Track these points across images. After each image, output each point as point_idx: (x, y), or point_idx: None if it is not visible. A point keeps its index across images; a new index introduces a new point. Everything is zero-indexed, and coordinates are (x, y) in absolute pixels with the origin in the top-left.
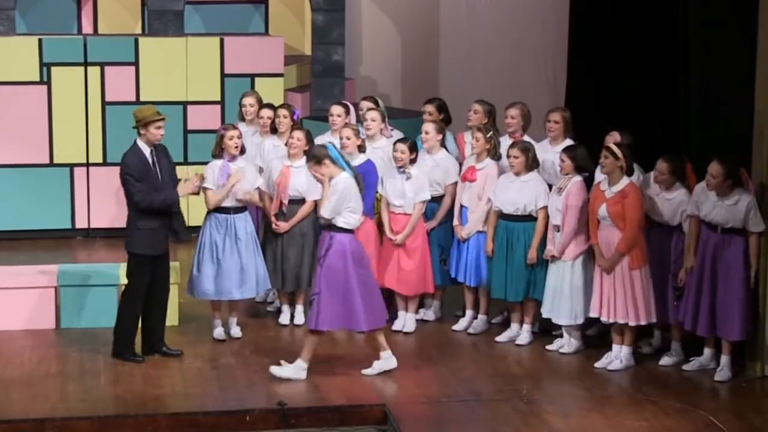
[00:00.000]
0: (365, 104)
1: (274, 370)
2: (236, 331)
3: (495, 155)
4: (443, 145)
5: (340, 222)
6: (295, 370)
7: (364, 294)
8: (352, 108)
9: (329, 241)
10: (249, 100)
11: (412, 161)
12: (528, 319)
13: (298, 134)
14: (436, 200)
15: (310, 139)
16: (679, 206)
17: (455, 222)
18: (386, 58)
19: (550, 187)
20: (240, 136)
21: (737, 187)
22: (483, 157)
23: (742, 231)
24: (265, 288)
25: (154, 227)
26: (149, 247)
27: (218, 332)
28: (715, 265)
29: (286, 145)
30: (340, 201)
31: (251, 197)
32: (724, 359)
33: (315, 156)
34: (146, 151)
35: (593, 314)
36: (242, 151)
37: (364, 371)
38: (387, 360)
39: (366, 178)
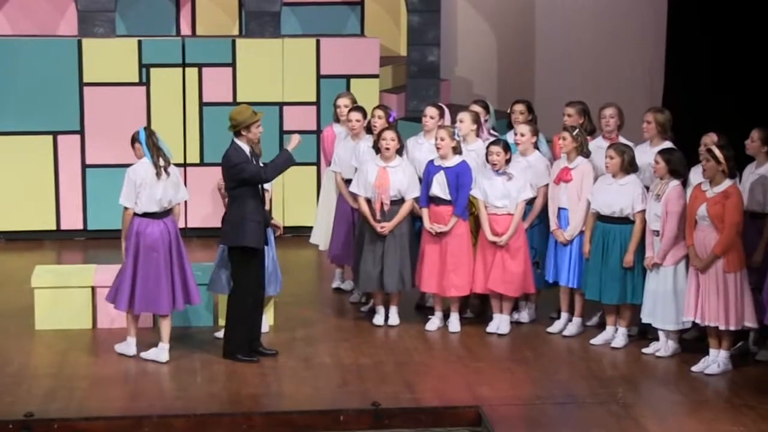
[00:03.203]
0: (474, 107)
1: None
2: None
3: (584, 152)
4: (536, 146)
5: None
6: (157, 352)
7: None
8: (446, 110)
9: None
10: (344, 101)
11: (507, 161)
12: (624, 322)
13: (390, 134)
14: (528, 202)
15: (400, 138)
16: None
17: (553, 226)
18: (481, 59)
19: (649, 189)
20: None
21: None
22: (573, 156)
23: None
24: (277, 289)
25: (260, 220)
26: (258, 241)
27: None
28: None
29: (377, 146)
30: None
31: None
32: None
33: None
34: (246, 149)
35: (688, 316)
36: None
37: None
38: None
39: (460, 178)
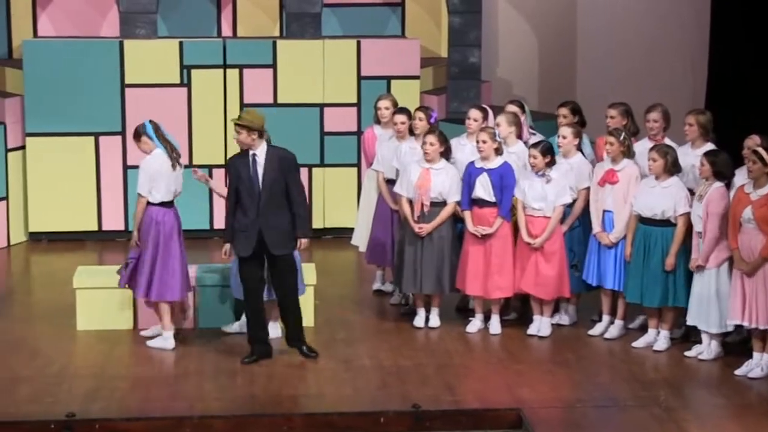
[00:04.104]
0: (510, 107)
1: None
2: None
3: (630, 154)
4: (579, 148)
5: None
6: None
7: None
8: (490, 111)
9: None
10: (384, 103)
11: (548, 164)
12: (666, 325)
13: (431, 138)
14: (569, 204)
15: (443, 140)
16: None
17: (597, 228)
18: (523, 60)
19: (692, 191)
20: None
21: None
22: (619, 159)
23: None
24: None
25: (244, 229)
26: (244, 249)
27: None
28: None
29: (423, 147)
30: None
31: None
32: None
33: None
34: (248, 154)
35: (734, 320)
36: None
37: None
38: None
39: (504, 180)
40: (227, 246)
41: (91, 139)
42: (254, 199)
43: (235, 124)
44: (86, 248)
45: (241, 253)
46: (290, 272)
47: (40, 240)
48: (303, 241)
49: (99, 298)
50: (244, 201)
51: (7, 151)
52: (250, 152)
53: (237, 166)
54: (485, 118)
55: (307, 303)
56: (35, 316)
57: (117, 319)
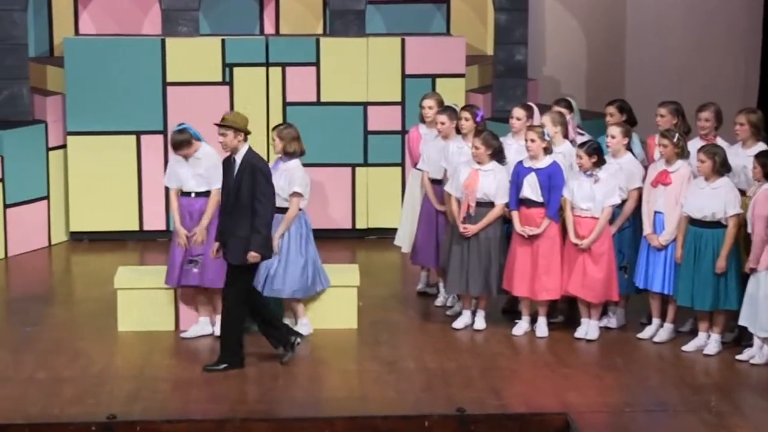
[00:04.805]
0: (557, 107)
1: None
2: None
3: (684, 155)
4: (629, 148)
5: None
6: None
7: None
8: (536, 110)
9: None
10: (428, 102)
11: (595, 164)
12: (717, 329)
13: (476, 142)
14: (619, 205)
15: (489, 144)
16: None
17: (648, 230)
18: (570, 58)
19: (743, 192)
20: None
21: None
22: (673, 160)
23: None
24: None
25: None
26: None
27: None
28: None
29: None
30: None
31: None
32: None
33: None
34: (231, 156)
35: None
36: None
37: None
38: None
39: (552, 180)
40: (216, 244)
41: (133, 137)
42: (225, 202)
43: (220, 125)
44: (127, 248)
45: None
46: (230, 284)
47: (81, 240)
48: (250, 254)
49: (140, 299)
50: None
51: (48, 150)
52: (232, 156)
53: (224, 169)
54: (530, 116)
55: (350, 304)
56: (76, 316)
57: (158, 320)
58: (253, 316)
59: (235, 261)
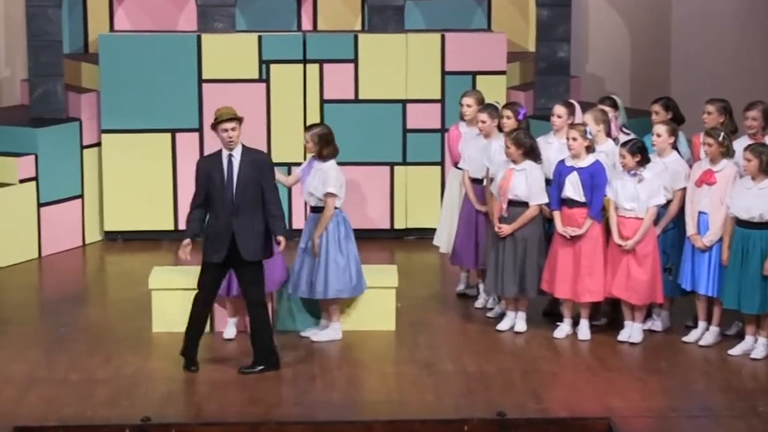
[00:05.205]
0: (601, 105)
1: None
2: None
3: (729, 154)
4: (675, 147)
5: None
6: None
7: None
8: (577, 107)
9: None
10: (467, 100)
11: (639, 164)
12: (764, 333)
13: (507, 141)
14: (664, 205)
15: (520, 141)
16: None
17: (692, 230)
18: (614, 54)
19: None
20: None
21: None
22: (718, 159)
23: None
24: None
25: (216, 233)
26: (209, 254)
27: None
28: None
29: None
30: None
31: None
32: None
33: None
34: (224, 154)
35: None
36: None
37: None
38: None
39: (595, 179)
40: (188, 248)
41: (168, 135)
42: (227, 202)
43: (231, 119)
44: (162, 248)
45: (214, 258)
46: (256, 282)
47: (116, 239)
48: (281, 240)
49: (175, 300)
50: (215, 205)
51: (83, 148)
52: (226, 153)
53: (208, 169)
54: (571, 114)
55: (388, 306)
56: (110, 317)
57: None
58: (201, 317)
59: (256, 257)
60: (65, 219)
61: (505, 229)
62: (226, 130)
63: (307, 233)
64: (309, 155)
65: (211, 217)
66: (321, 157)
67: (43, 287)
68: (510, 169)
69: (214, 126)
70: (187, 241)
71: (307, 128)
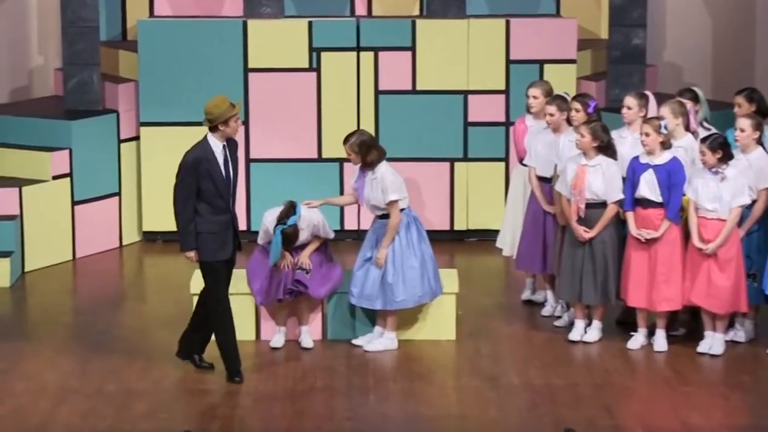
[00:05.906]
0: (680, 97)
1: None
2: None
3: None
4: (760, 142)
5: None
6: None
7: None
8: (651, 98)
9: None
10: (533, 92)
11: (720, 160)
12: None
13: (583, 129)
14: (748, 206)
15: (597, 133)
16: None
17: None
18: (694, 42)
19: None
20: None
21: None
22: None
23: None
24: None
25: (216, 230)
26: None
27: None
28: None
29: None
30: None
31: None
32: None
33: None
34: (218, 146)
35: None
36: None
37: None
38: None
39: (672, 177)
40: (192, 254)
41: None
42: (226, 195)
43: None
44: None
45: (221, 256)
46: (226, 283)
47: (155, 240)
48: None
49: None
50: (213, 200)
51: (120, 142)
52: (220, 144)
53: (207, 164)
54: (643, 106)
55: (448, 313)
56: (149, 323)
57: (237, 328)
58: (233, 324)
59: (233, 254)
60: (101, 218)
61: (590, 232)
62: (237, 119)
63: (373, 241)
64: (356, 167)
65: (204, 213)
66: (367, 164)
67: (78, 291)
68: (583, 165)
69: (225, 121)
70: (192, 254)
71: (344, 140)
